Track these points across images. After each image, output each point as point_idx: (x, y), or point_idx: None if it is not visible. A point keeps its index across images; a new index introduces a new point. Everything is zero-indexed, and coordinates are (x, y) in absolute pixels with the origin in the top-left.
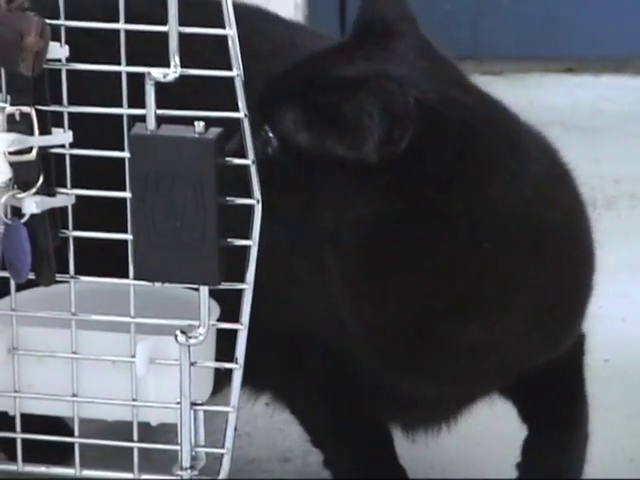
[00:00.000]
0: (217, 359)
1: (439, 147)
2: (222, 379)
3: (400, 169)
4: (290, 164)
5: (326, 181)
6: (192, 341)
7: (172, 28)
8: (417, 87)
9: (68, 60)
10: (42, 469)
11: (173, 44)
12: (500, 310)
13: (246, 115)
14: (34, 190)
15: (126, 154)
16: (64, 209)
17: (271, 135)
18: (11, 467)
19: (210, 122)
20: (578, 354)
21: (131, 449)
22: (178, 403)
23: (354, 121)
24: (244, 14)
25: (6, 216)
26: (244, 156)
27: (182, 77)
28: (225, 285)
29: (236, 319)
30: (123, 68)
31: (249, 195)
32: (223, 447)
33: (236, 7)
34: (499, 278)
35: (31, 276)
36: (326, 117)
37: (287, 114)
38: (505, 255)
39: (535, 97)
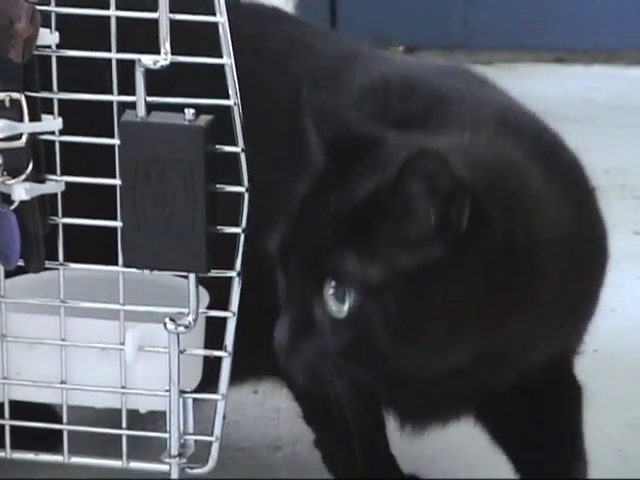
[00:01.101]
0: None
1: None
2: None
3: (465, 244)
4: (379, 304)
5: (422, 294)
6: (181, 329)
7: (162, 14)
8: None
9: (58, 47)
10: (30, 456)
11: (163, 31)
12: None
13: (236, 103)
14: (24, 177)
15: (116, 141)
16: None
17: (334, 290)
18: None
19: None
20: (575, 407)
21: (120, 437)
22: (167, 391)
23: (410, 220)
24: (259, 13)
25: None
26: None
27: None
28: (214, 273)
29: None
30: (113, 55)
31: None
32: (212, 435)
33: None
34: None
35: (20, 263)
36: (384, 237)
37: (347, 257)
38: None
39: (525, 87)
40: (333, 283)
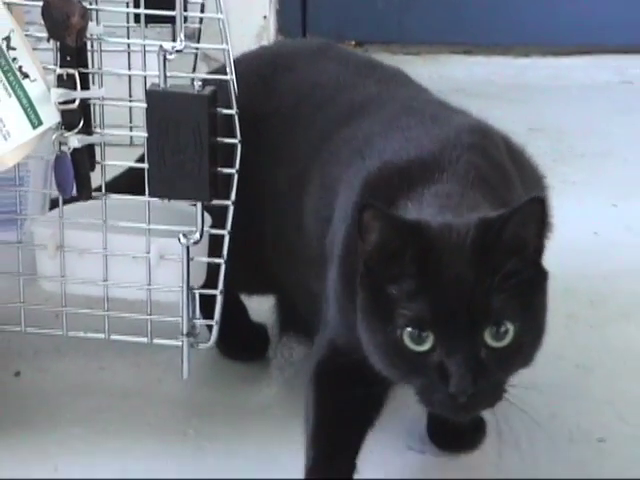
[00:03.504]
0: None
1: None
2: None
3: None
4: (530, 320)
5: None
6: (191, 242)
7: (178, 12)
8: None
9: None
10: (80, 334)
11: (179, 24)
12: None
13: (231, 79)
14: (76, 130)
15: (144, 105)
16: None
17: (496, 330)
18: (57, 332)
19: None
20: None
21: (146, 320)
22: (180, 287)
23: (525, 248)
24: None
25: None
26: None
27: None
28: (215, 202)
29: None
30: (142, 42)
31: None
32: (213, 319)
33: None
34: None
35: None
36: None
37: (501, 302)
38: None
39: (443, 72)
40: (494, 327)
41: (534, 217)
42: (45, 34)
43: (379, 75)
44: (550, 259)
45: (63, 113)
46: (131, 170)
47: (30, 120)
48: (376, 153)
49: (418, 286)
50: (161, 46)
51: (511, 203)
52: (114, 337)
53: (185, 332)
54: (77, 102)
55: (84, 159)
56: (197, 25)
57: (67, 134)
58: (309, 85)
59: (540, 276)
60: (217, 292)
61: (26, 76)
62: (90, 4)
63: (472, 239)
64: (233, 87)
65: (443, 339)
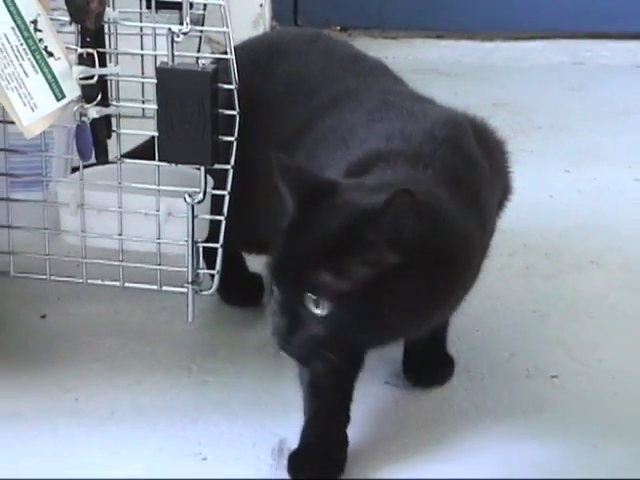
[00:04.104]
0: None
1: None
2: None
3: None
4: (348, 306)
5: (376, 294)
6: (195, 201)
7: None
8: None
9: None
10: (98, 282)
11: (185, 10)
12: None
13: (231, 59)
14: (95, 103)
15: (154, 80)
16: None
17: (313, 299)
18: (78, 280)
19: None
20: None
21: (156, 270)
22: (186, 241)
23: (378, 246)
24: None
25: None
26: None
27: None
28: (217, 166)
29: None
30: (154, 25)
31: None
32: (215, 269)
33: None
34: None
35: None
36: (354, 259)
37: (322, 276)
38: None
39: (418, 54)
40: (312, 295)
41: (402, 210)
42: (68, 18)
43: (359, 68)
44: (511, 219)
45: (83, 87)
46: (145, 142)
47: (54, 93)
48: (358, 142)
49: (279, 242)
50: (170, 29)
51: (474, 186)
52: (128, 285)
53: (190, 280)
54: (96, 78)
55: (102, 128)
56: (201, 11)
57: (87, 106)
58: (298, 75)
59: (411, 265)
60: (218, 245)
61: (51, 55)
62: None
63: (340, 220)
64: (233, 65)
65: (278, 292)
